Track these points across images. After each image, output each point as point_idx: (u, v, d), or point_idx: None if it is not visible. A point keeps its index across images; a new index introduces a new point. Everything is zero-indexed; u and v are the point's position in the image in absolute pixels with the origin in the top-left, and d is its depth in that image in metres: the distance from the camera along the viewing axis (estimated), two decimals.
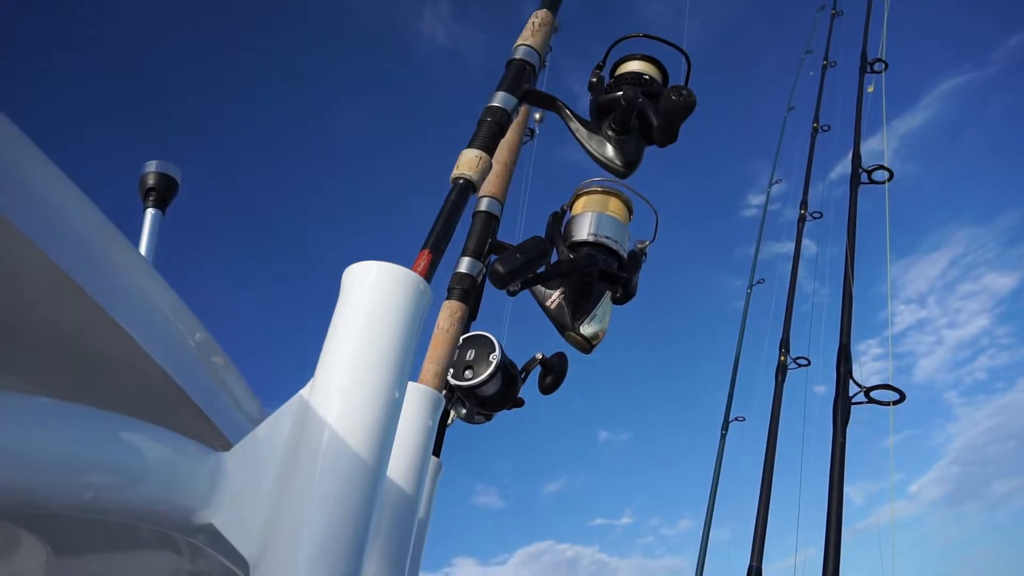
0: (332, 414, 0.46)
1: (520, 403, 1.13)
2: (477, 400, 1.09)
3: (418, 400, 0.67)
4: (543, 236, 1.17)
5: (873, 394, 2.68)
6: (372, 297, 0.50)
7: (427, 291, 0.53)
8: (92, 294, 0.46)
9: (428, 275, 0.63)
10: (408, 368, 0.51)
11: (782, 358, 3.89)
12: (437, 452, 1.08)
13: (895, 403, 2.65)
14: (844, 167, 3.58)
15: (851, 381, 2.72)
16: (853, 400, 2.70)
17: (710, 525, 4.47)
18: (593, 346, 1.18)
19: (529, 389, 1.16)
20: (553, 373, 1.17)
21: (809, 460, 3.58)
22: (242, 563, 0.45)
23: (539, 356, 1.17)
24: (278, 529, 0.44)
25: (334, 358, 0.49)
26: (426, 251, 0.66)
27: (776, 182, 5.41)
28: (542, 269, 1.07)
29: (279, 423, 0.48)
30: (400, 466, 0.63)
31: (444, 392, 0.95)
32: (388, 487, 0.60)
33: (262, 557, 0.44)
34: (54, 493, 0.38)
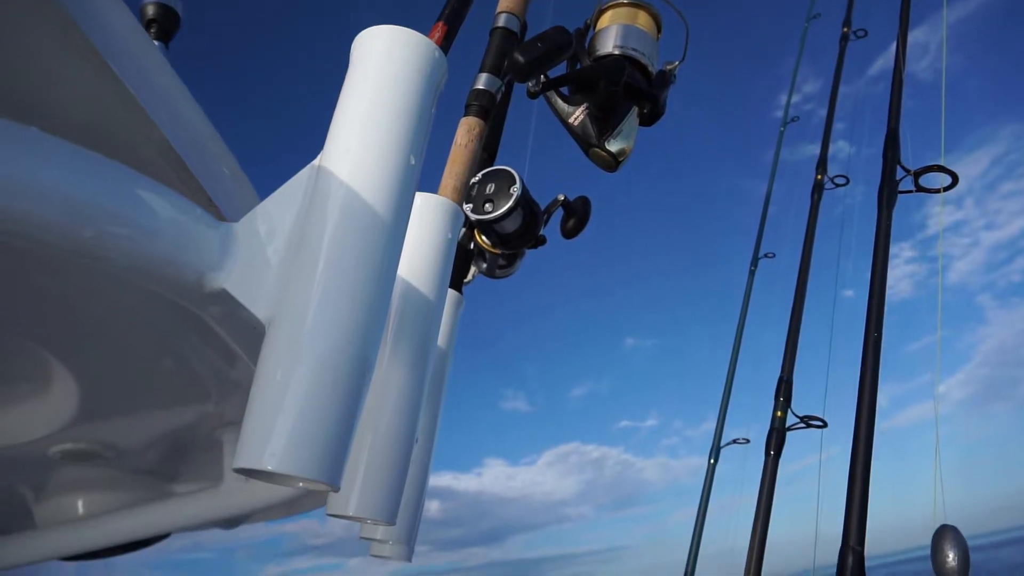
0: (344, 177, 0.45)
1: (542, 241, 1.09)
2: (498, 238, 1.04)
3: (435, 210, 0.63)
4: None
5: (921, 180, 2.46)
6: (384, 62, 0.48)
7: (443, 61, 0.51)
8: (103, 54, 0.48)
9: (444, 47, 0.61)
10: (423, 139, 0.48)
11: (819, 177, 3.64)
12: (458, 287, 1.01)
13: (946, 189, 2.43)
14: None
15: (898, 166, 2.49)
16: (900, 188, 2.49)
17: (737, 358, 4.32)
18: (619, 163, 1.16)
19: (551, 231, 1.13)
20: (575, 216, 1.12)
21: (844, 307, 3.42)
22: (255, 335, 0.44)
23: (561, 198, 1.12)
24: (293, 293, 0.43)
25: (345, 125, 0.47)
26: (440, 23, 0.63)
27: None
28: (566, 71, 1.06)
29: (289, 193, 0.47)
30: (418, 274, 0.59)
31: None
32: (406, 290, 0.57)
33: (277, 319, 0.43)
34: (53, 225, 0.38)
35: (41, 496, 1.11)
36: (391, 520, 0.52)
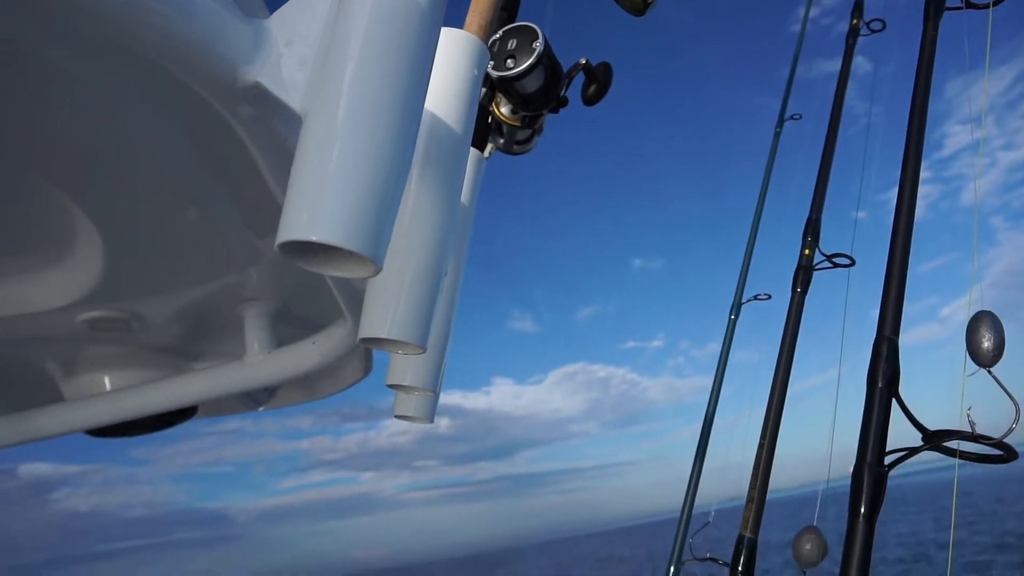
0: None
1: (564, 102, 1.06)
2: (520, 99, 1.00)
3: (461, 44, 0.61)
4: None
5: None
6: None
7: None
8: None
9: None
10: None
11: (854, 22, 3.29)
12: (480, 146, 0.99)
13: (995, 3, 2.22)
14: None
15: None
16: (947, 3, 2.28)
17: (763, 206, 4.08)
18: (648, 5, 1.12)
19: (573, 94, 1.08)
20: (597, 82, 1.09)
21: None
22: (289, 131, 0.45)
23: (583, 61, 1.07)
24: (328, 88, 0.43)
25: None
26: None
27: None
28: None
29: None
30: (445, 104, 0.58)
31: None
32: (434, 116, 0.56)
33: (313, 112, 0.43)
34: None
35: (69, 371, 1.13)
36: (422, 344, 0.53)
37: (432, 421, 0.95)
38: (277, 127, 0.53)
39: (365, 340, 0.53)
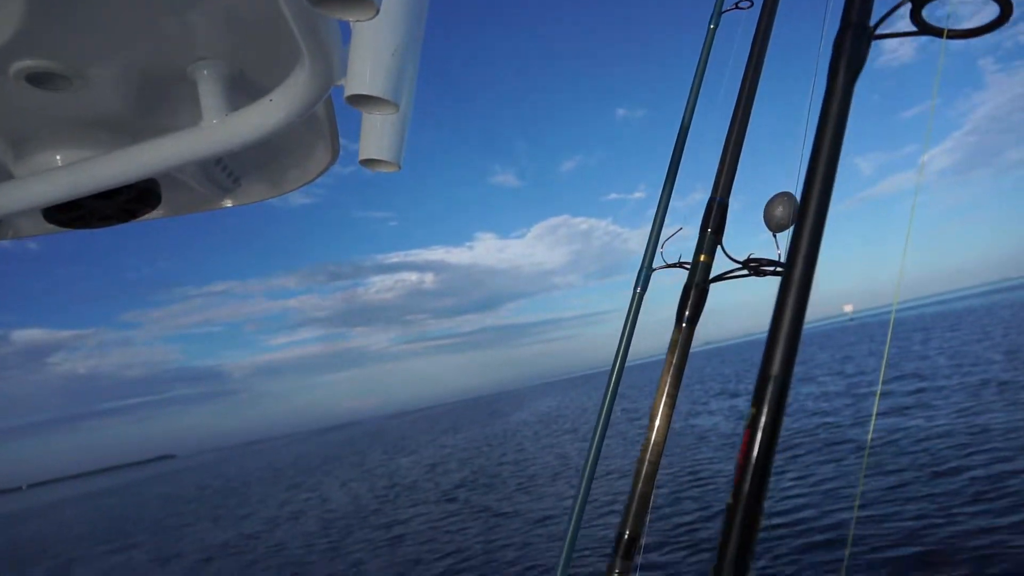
0: None
1: None
2: None
3: None
4: None
5: None
6: None
7: None
8: None
9: None
10: None
11: None
12: None
13: None
14: None
15: None
16: None
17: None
18: None
19: None
20: None
21: None
22: None
23: None
24: None
25: None
26: None
27: None
28: None
29: None
30: None
31: None
32: None
33: None
34: None
35: (18, 149, 1.08)
36: (398, 100, 0.55)
37: (400, 166, 0.91)
38: None
39: (351, 98, 0.54)
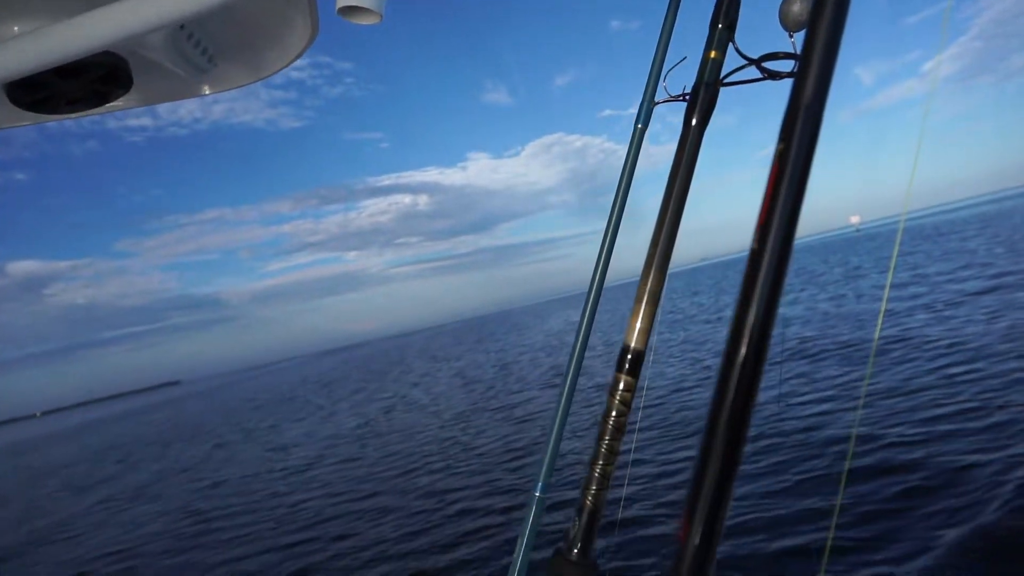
0: None
1: None
2: None
3: None
4: None
5: None
6: None
7: None
8: None
9: None
10: None
11: None
12: None
13: None
14: None
15: None
16: None
17: None
18: None
19: None
20: None
21: None
22: None
23: None
24: None
25: None
26: None
27: None
28: None
29: None
30: None
31: None
32: None
33: None
34: None
35: None
36: None
37: (383, 15, 0.85)
38: None
39: None
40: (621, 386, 1.00)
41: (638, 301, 1.03)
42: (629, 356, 1.03)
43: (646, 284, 1.04)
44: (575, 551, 1.01)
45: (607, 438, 1.01)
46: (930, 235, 40.54)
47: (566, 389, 1.10)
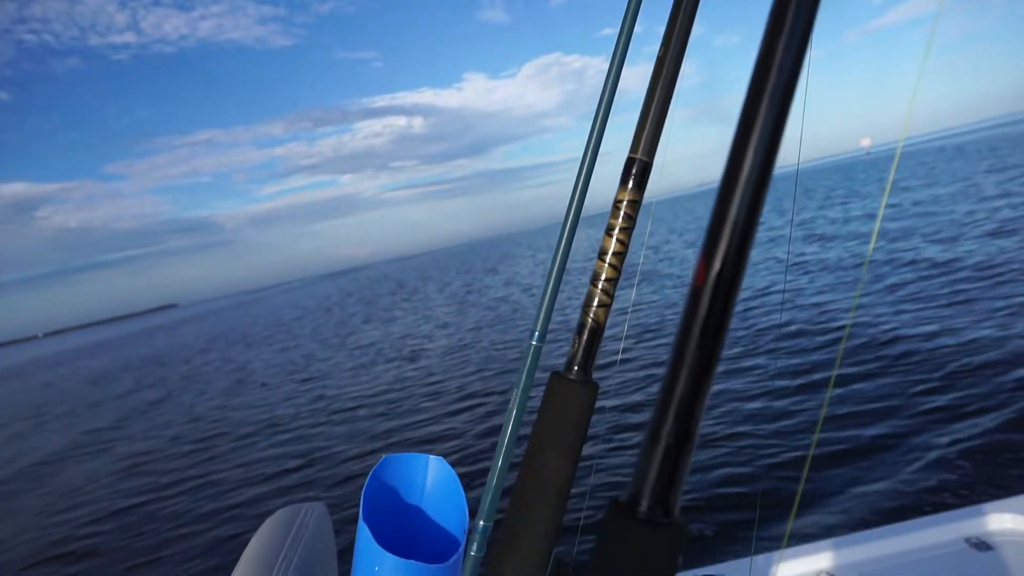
0: None
1: None
2: None
3: None
4: None
5: None
6: None
7: None
8: None
9: None
10: None
11: None
12: None
13: None
14: None
15: None
16: None
17: None
18: None
19: None
20: None
21: None
22: None
23: None
24: None
25: None
26: None
27: None
28: None
29: None
30: None
31: None
32: None
33: None
34: None
35: None
36: None
37: None
38: None
39: None
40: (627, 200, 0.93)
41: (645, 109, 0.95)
42: (634, 169, 0.95)
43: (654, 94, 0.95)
44: (575, 368, 0.95)
45: (610, 250, 0.94)
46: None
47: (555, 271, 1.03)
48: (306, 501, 1.21)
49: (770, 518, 4.09)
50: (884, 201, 11.50)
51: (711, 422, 5.58)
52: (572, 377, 0.89)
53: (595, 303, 0.91)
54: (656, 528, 0.47)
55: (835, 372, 6.31)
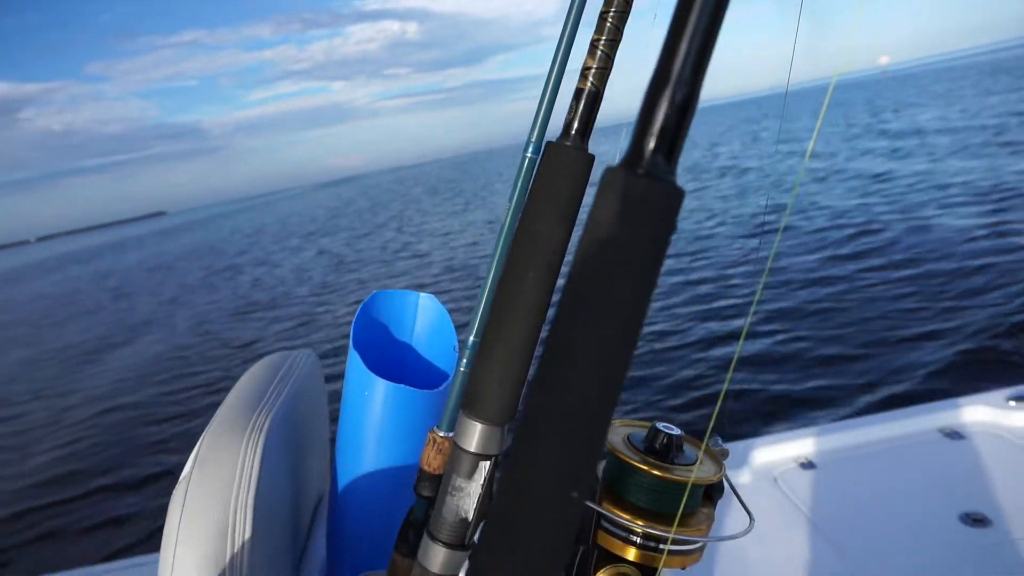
0: None
1: None
2: None
3: None
4: None
5: None
6: None
7: None
8: None
9: None
10: None
11: None
12: None
13: None
14: None
15: None
16: None
17: None
18: None
19: None
20: None
21: None
22: None
23: None
24: None
25: None
26: None
27: None
28: None
29: None
30: None
31: None
32: None
33: None
34: None
35: None
36: None
37: None
38: None
39: None
40: None
41: None
42: None
43: None
44: (572, 133, 0.88)
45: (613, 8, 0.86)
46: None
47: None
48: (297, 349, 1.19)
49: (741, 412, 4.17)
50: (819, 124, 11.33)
51: (682, 320, 5.60)
52: (569, 144, 0.84)
53: (594, 64, 0.85)
54: (659, 181, 0.43)
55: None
